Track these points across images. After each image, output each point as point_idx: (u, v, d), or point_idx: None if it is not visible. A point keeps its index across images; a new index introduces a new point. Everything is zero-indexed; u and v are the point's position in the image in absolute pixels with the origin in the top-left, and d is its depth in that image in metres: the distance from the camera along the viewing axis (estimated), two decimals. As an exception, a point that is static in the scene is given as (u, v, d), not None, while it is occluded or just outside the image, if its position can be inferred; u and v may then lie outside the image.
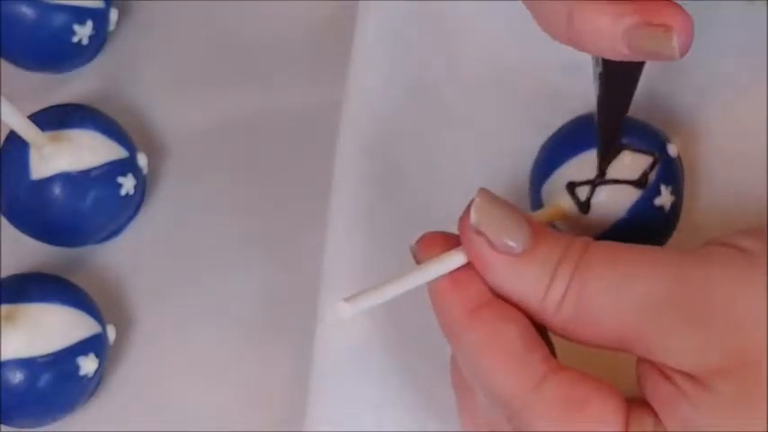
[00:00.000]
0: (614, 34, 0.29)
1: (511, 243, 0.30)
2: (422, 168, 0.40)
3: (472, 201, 0.31)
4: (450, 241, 0.31)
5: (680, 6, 0.29)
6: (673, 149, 0.37)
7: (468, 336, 0.30)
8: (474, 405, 0.32)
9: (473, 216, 0.30)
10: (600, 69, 0.32)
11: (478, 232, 0.30)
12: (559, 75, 0.40)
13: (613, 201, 0.36)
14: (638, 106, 0.39)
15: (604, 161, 0.36)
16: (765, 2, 0.39)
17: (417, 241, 0.32)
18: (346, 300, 0.30)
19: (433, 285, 0.31)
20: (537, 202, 0.38)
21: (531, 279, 0.30)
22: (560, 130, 0.38)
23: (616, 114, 0.34)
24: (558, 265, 0.30)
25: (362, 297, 0.30)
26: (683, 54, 0.29)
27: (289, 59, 0.45)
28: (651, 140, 0.37)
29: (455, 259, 0.31)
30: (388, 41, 0.41)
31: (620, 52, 0.29)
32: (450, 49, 0.41)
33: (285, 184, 0.44)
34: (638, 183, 0.36)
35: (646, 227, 0.36)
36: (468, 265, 0.31)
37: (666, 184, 0.36)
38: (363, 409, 0.37)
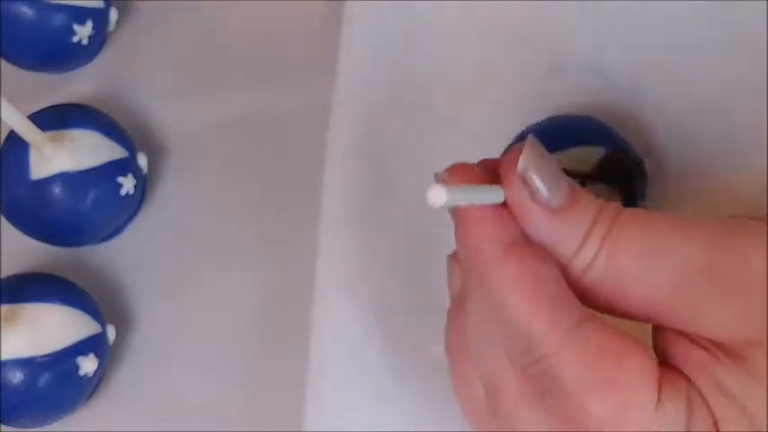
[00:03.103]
0: None
1: (549, 197, 0.30)
2: (410, 169, 0.40)
3: (520, 146, 0.30)
4: (481, 176, 0.31)
5: None
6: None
7: (502, 271, 0.29)
8: (469, 383, 0.32)
9: (521, 162, 0.29)
10: None
11: (522, 179, 0.30)
12: (547, 75, 0.40)
13: None
14: (639, 107, 0.39)
15: None
16: (766, 1, 0.39)
17: (448, 169, 0.32)
18: (442, 184, 0.28)
19: (469, 215, 0.30)
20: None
21: (565, 236, 0.29)
22: (536, 128, 0.38)
23: None
24: (592, 226, 0.29)
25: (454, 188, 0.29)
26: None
27: (288, 59, 0.45)
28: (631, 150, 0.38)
29: (495, 194, 0.30)
30: (374, 43, 0.41)
31: None
32: (438, 50, 0.41)
33: (285, 183, 0.44)
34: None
35: None
36: (505, 207, 0.30)
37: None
38: (361, 409, 0.37)
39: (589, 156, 0.36)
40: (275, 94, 0.45)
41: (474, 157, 0.36)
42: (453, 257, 0.33)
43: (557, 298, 0.29)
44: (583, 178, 0.36)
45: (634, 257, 0.29)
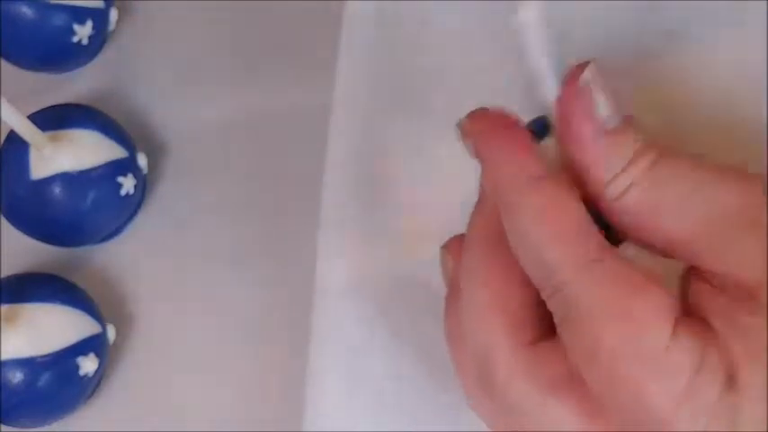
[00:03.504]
0: None
1: (608, 116, 0.30)
2: (410, 169, 0.40)
3: (585, 62, 0.30)
4: (505, 120, 0.31)
5: None
6: None
7: (530, 199, 0.30)
8: (467, 365, 0.32)
9: (587, 72, 0.30)
10: None
11: (582, 92, 0.30)
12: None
13: None
14: (638, 107, 0.39)
15: None
16: (766, 1, 0.39)
17: (469, 115, 0.32)
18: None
19: (495, 151, 0.31)
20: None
21: (609, 157, 0.30)
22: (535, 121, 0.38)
23: None
24: (640, 154, 0.30)
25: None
26: None
27: (289, 60, 0.45)
28: None
29: (554, 85, 0.30)
30: (374, 43, 0.41)
31: None
32: (437, 50, 0.41)
33: (285, 183, 0.44)
34: None
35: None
36: (531, 146, 0.31)
37: None
38: (361, 409, 0.37)
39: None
40: (275, 93, 0.45)
41: (474, 160, 0.36)
42: (446, 248, 0.33)
43: (579, 230, 0.29)
44: None
45: (674, 190, 0.29)
